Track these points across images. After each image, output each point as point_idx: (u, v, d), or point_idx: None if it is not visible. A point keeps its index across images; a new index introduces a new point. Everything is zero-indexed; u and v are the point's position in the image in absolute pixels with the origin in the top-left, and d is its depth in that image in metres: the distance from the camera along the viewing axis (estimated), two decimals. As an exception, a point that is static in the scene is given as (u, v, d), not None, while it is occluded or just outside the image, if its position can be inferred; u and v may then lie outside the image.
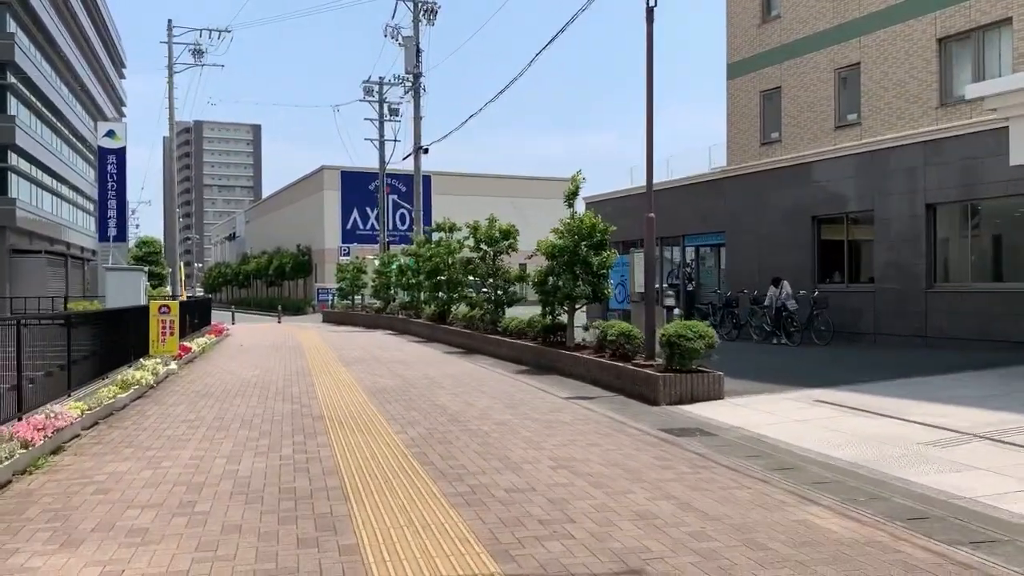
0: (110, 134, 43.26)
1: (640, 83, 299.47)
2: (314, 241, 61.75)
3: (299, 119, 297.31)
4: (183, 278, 38.32)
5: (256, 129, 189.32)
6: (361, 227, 59.11)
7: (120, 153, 42.65)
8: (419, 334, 25.95)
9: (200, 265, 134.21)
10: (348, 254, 46.50)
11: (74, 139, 62.52)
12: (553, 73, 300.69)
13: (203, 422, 9.49)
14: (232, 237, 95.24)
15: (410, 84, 32.45)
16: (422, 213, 34.01)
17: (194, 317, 26.10)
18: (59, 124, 56.91)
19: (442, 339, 22.85)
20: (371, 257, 39.40)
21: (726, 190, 23.07)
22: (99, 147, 42.78)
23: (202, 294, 57.57)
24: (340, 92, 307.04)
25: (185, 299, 30.88)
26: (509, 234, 19.94)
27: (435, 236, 25.71)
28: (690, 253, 25.75)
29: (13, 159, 44.63)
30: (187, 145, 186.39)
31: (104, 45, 71.06)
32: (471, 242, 20.53)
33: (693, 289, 25.13)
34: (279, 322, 40.29)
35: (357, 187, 58.44)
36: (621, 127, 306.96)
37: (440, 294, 25.16)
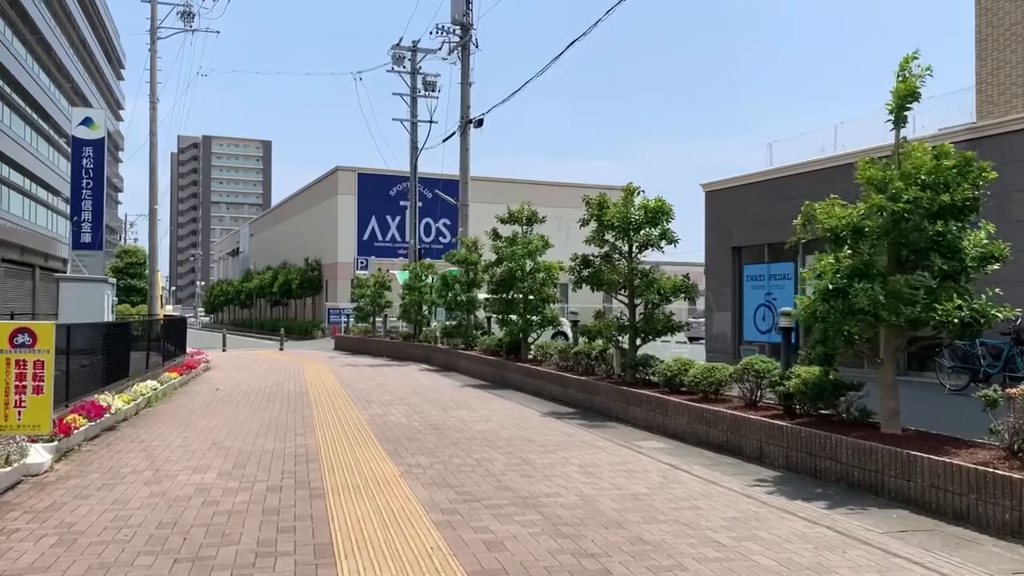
0: (86, 122, 35.59)
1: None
2: (325, 254, 53.33)
3: (312, 117, 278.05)
4: (161, 292, 30.26)
5: (266, 145, 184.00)
6: (380, 238, 50.85)
7: (98, 145, 35.10)
8: (477, 374, 17.94)
9: (204, 283, 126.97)
10: (367, 267, 38.47)
11: (55, 135, 55.06)
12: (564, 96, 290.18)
13: None
14: (235, 252, 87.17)
15: (457, 39, 24.47)
16: (467, 213, 25.92)
17: (168, 343, 18.50)
18: (32, 113, 49.53)
19: (520, 386, 14.89)
20: (396, 272, 31.40)
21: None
22: (73, 136, 35.18)
23: (180, 313, 49.47)
24: (362, 64, 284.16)
25: (163, 318, 22.97)
26: (659, 215, 11.90)
27: (504, 231, 17.59)
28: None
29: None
30: (195, 161, 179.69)
31: (98, 39, 63.70)
32: (591, 228, 12.44)
33: None
34: (281, 349, 32.21)
35: (376, 192, 50.32)
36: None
37: (512, 316, 17.13)
